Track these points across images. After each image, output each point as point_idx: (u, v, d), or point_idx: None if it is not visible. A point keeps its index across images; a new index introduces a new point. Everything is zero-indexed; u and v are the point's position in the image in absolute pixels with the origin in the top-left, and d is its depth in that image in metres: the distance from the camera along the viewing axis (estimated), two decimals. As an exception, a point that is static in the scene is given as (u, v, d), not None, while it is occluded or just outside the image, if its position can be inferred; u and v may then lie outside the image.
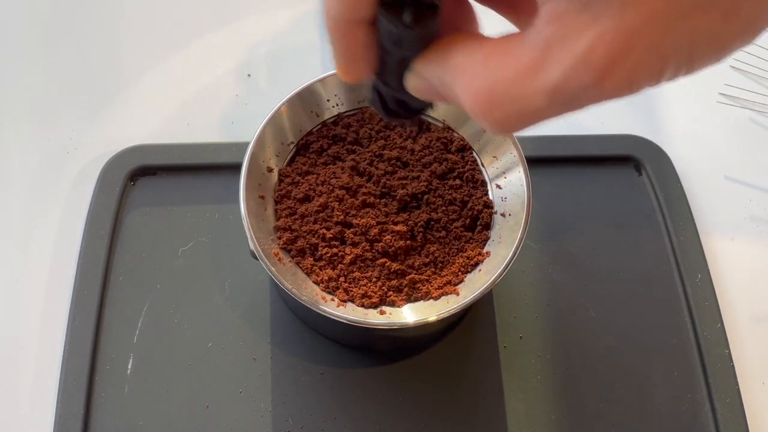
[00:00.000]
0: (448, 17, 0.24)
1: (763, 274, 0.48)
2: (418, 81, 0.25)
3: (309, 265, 0.37)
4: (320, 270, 0.37)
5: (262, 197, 0.38)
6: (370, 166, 0.40)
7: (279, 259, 0.37)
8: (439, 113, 0.41)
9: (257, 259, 0.36)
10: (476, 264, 0.38)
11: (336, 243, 0.38)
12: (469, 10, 0.25)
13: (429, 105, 0.28)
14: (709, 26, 0.19)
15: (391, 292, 0.37)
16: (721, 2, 0.18)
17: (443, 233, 0.39)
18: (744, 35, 0.20)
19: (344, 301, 0.37)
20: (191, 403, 0.41)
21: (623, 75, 0.19)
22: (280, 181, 0.40)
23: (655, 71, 0.20)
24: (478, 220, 0.39)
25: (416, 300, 0.37)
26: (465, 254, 0.38)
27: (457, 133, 0.41)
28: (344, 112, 0.41)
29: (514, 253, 0.36)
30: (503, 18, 0.25)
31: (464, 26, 0.25)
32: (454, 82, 0.23)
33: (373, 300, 0.37)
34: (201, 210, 0.46)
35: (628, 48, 0.19)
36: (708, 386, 0.43)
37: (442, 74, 0.23)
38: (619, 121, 0.52)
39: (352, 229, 0.38)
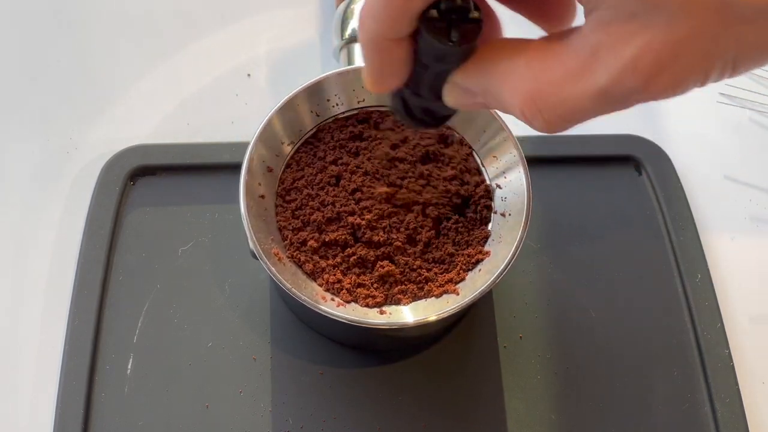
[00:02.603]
0: None
1: (763, 274, 0.48)
2: (457, 92, 0.25)
3: (311, 266, 0.37)
4: (322, 270, 0.37)
5: (262, 197, 0.38)
6: (371, 167, 0.40)
7: (279, 259, 0.37)
8: None
9: (257, 259, 0.36)
10: (476, 262, 0.38)
11: (337, 244, 0.38)
12: (495, 18, 0.26)
13: (454, 112, 0.28)
14: (754, 34, 0.20)
15: (392, 292, 0.37)
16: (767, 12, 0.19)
17: (444, 231, 0.39)
18: None
19: (347, 302, 0.37)
20: (191, 403, 0.41)
21: (669, 80, 0.20)
22: (281, 181, 0.40)
23: (700, 76, 0.21)
24: (478, 219, 0.39)
25: (417, 299, 0.37)
26: (465, 252, 0.38)
27: (457, 132, 0.41)
28: (344, 112, 0.41)
29: (514, 252, 0.36)
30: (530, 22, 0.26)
31: (491, 35, 0.26)
32: (501, 87, 0.23)
33: (377, 300, 0.37)
34: (201, 210, 0.46)
35: (676, 56, 0.20)
36: (708, 386, 0.43)
37: (487, 82, 0.24)
38: (619, 121, 0.51)
39: (353, 230, 0.38)
